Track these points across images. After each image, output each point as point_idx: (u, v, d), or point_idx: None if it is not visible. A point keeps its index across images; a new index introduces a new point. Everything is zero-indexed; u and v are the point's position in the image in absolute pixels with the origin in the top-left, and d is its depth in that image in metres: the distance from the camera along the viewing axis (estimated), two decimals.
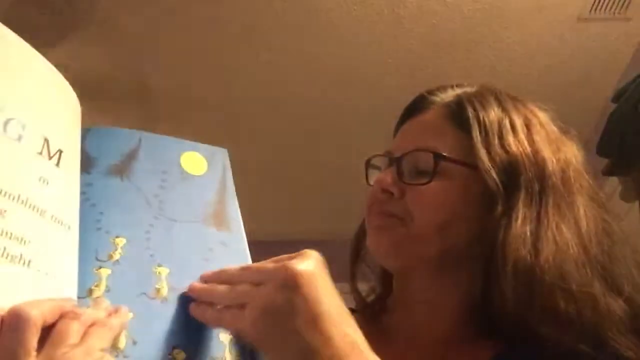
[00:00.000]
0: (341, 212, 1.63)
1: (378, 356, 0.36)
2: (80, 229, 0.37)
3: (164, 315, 0.37)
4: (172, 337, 0.37)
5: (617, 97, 1.54)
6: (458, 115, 0.53)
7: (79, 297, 0.35)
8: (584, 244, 0.48)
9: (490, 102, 0.54)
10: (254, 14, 1.86)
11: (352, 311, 0.39)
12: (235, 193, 0.46)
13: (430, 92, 0.58)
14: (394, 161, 0.55)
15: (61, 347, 0.30)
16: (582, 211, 0.50)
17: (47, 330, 0.31)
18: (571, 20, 1.87)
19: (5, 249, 0.30)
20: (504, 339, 0.48)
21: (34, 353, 0.29)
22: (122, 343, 0.34)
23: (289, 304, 0.35)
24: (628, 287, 0.47)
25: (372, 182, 0.57)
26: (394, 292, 0.60)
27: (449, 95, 0.57)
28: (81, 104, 0.40)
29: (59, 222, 0.34)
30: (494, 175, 0.48)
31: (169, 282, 0.38)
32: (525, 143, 0.51)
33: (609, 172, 1.62)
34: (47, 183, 0.34)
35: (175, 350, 0.36)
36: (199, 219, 0.42)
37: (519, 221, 0.47)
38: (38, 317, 0.30)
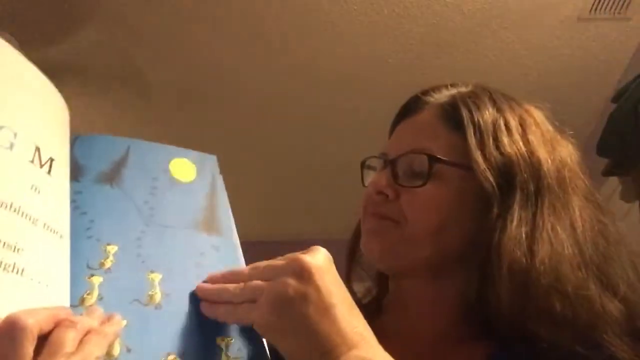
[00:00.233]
0: (341, 212, 1.63)
1: None
2: (71, 238, 0.37)
3: (158, 322, 0.37)
4: (167, 343, 0.37)
5: (617, 97, 1.54)
6: (452, 116, 0.53)
7: (71, 306, 0.35)
8: (579, 245, 0.48)
9: (485, 102, 0.53)
10: (254, 14, 1.86)
11: None
12: (226, 198, 0.46)
13: (425, 93, 0.58)
14: (389, 163, 0.55)
15: (58, 356, 0.30)
16: (577, 212, 0.50)
17: (43, 339, 0.31)
18: (571, 20, 1.87)
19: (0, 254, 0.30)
20: (499, 339, 0.48)
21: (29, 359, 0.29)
22: (117, 351, 0.34)
23: (302, 294, 0.36)
24: (623, 287, 0.47)
25: (367, 184, 0.57)
26: (389, 293, 0.60)
27: (443, 95, 0.57)
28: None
29: (51, 230, 0.34)
30: (489, 176, 0.48)
31: (162, 288, 0.39)
32: (520, 143, 0.50)
33: (609, 172, 1.62)
34: (39, 191, 0.34)
35: (170, 357, 0.36)
36: (189, 225, 0.43)
37: (515, 223, 0.47)
38: (34, 325, 0.30)
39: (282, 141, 2.47)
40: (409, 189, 0.52)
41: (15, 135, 0.33)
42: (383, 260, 0.55)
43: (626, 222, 2.12)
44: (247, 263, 0.43)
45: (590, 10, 1.83)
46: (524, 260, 0.45)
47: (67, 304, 0.35)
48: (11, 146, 0.32)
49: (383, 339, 0.38)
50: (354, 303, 0.39)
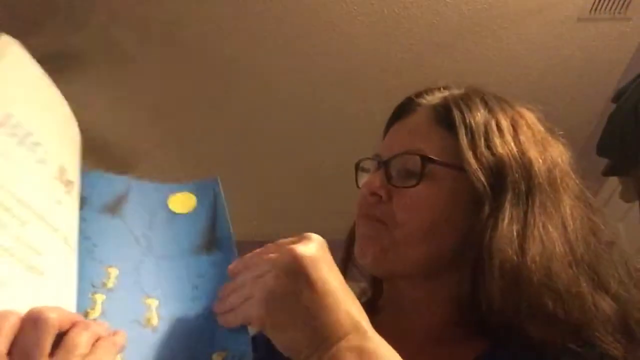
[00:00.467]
0: (341, 213, 1.63)
1: None
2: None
3: (155, 344, 0.39)
4: None
5: (617, 97, 1.54)
6: (444, 117, 0.54)
7: None
8: (570, 243, 0.48)
9: (477, 104, 0.54)
10: (253, 13, 1.86)
11: None
12: (227, 214, 0.47)
13: (418, 95, 0.59)
14: (382, 164, 0.55)
15: (73, 354, 0.32)
16: (568, 211, 0.50)
17: (58, 338, 0.32)
18: (571, 20, 1.87)
19: (24, 256, 0.33)
20: (493, 338, 0.49)
21: (47, 354, 0.31)
22: None
23: (293, 288, 0.36)
24: (615, 285, 0.48)
25: (361, 185, 0.58)
26: (384, 294, 0.61)
27: (435, 97, 0.58)
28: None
29: (67, 242, 0.37)
30: (481, 176, 0.49)
31: (159, 313, 0.40)
32: (512, 144, 0.51)
33: (609, 172, 1.62)
34: (61, 205, 0.37)
35: None
36: (188, 251, 0.44)
37: (506, 221, 0.47)
38: (56, 320, 0.31)
39: (282, 141, 2.47)
40: (401, 189, 0.52)
41: (46, 152, 0.36)
42: (375, 266, 0.55)
43: (626, 222, 2.12)
44: None
45: (590, 10, 1.83)
46: (515, 258, 0.46)
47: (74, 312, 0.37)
48: (44, 161, 0.36)
49: None
50: (348, 289, 0.39)
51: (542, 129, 0.56)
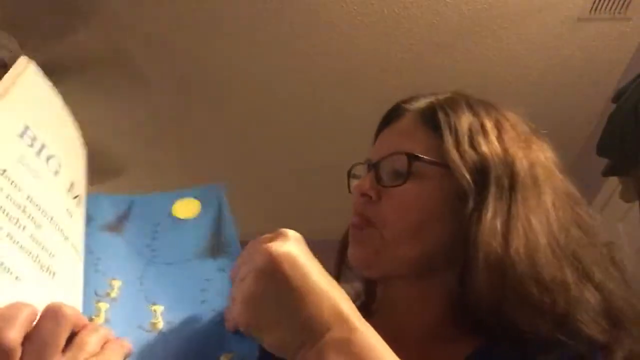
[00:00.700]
0: (341, 213, 1.63)
1: None
2: None
3: (161, 347, 0.39)
4: None
5: (617, 97, 1.54)
6: (430, 119, 0.56)
7: None
8: (554, 234, 0.50)
9: (462, 107, 0.56)
10: (253, 14, 1.86)
11: None
12: (231, 219, 0.47)
13: (405, 101, 0.61)
14: (372, 167, 0.57)
15: (84, 353, 0.33)
16: (551, 204, 0.51)
17: (70, 336, 0.33)
18: (571, 20, 1.87)
19: (38, 256, 0.35)
20: (486, 336, 0.49)
21: (61, 348, 0.32)
22: None
23: (271, 288, 0.36)
24: (599, 275, 0.49)
25: (352, 189, 0.59)
26: (377, 296, 0.61)
27: (421, 102, 0.60)
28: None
29: (76, 250, 0.39)
30: (465, 173, 0.50)
31: (165, 317, 0.41)
32: (496, 143, 0.53)
33: (609, 172, 1.62)
34: (71, 216, 0.39)
35: None
36: (194, 256, 0.45)
37: (489, 215, 0.48)
38: (73, 317, 0.33)
39: (282, 141, 2.47)
40: (390, 189, 0.54)
41: (59, 165, 0.39)
42: (369, 269, 0.56)
43: (626, 222, 2.12)
44: None
45: (590, 10, 1.83)
46: (500, 250, 0.47)
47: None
48: (57, 173, 0.39)
49: None
50: (331, 282, 0.38)
51: (526, 129, 0.57)
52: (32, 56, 0.40)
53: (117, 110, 2.24)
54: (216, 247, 0.45)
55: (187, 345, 0.40)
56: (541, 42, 1.96)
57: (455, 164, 0.51)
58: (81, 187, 0.42)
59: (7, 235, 0.33)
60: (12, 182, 0.34)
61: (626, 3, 1.80)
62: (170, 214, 0.47)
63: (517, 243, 0.47)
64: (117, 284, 0.41)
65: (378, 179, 0.55)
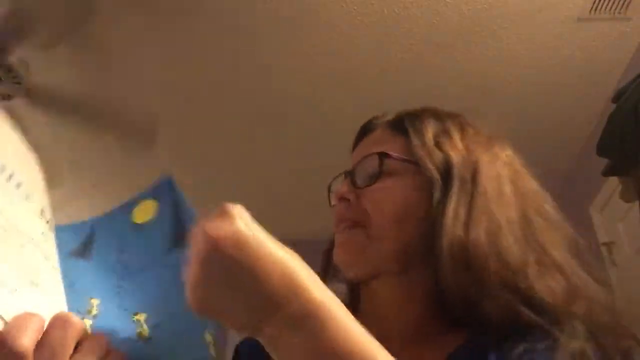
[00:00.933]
0: None
1: None
2: None
3: (150, 353, 0.41)
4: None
5: (617, 97, 1.54)
6: (398, 125, 0.61)
7: None
8: (515, 222, 0.53)
9: (427, 115, 0.61)
10: (253, 14, 1.86)
11: None
12: (189, 206, 0.46)
13: (375, 117, 0.66)
14: (348, 174, 0.61)
15: (93, 355, 0.35)
16: (511, 196, 0.55)
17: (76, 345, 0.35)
18: (571, 20, 1.87)
19: (26, 272, 0.36)
20: (469, 331, 0.50)
21: (69, 355, 0.33)
22: None
23: (216, 274, 0.34)
24: (559, 258, 0.51)
25: (332, 199, 0.63)
26: (361, 299, 0.62)
27: (390, 115, 0.65)
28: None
29: (56, 270, 0.40)
30: (432, 168, 0.55)
31: (149, 323, 0.42)
32: (459, 143, 0.57)
33: (609, 172, 1.62)
34: (47, 240, 0.41)
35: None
36: (163, 255, 0.45)
37: (453, 205, 0.52)
38: (79, 325, 0.34)
39: (282, 140, 2.48)
40: (366, 189, 0.57)
41: (28, 191, 0.41)
42: (354, 267, 0.57)
43: (626, 222, 2.12)
44: None
45: (590, 10, 1.83)
46: (462, 236, 0.50)
47: None
48: (27, 197, 0.40)
49: None
50: (283, 251, 0.36)
51: (487, 133, 0.62)
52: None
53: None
54: (180, 238, 0.44)
55: (173, 335, 0.40)
56: (541, 42, 1.96)
57: (422, 160, 0.55)
58: (49, 213, 0.43)
59: None
60: None
61: (626, 3, 1.80)
62: (131, 223, 0.46)
63: (479, 229, 0.50)
64: (95, 302, 0.42)
65: (354, 183, 0.59)
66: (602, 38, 1.95)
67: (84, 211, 1.62)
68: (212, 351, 0.40)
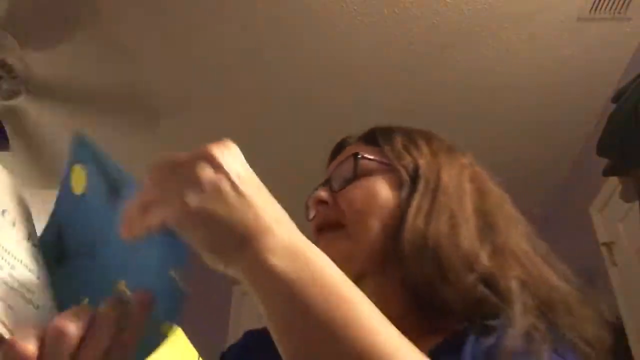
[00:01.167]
0: None
1: None
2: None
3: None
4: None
5: (617, 97, 1.54)
6: (371, 138, 0.66)
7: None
8: (474, 216, 0.56)
9: (397, 129, 0.66)
10: (253, 14, 1.86)
11: None
12: (109, 158, 0.43)
13: (346, 137, 0.71)
14: (324, 182, 0.65)
15: (98, 348, 0.35)
16: (471, 194, 0.59)
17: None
18: (571, 20, 1.87)
19: (22, 292, 0.38)
20: (449, 330, 0.51)
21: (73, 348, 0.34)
22: None
23: (213, 183, 0.35)
24: (516, 248, 0.55)
25: (310, 206, 0.65)
26: None
27: (361, 133, 0.69)
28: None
29: (49, 289, 0.42)
30: (401, 169, 0.60)
31: (130, 287, 0.41)
32: (425, 149, 0.63)
33: (609, 172, 1.62)
34: (38, 262, 0.42)
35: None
36: (111, 217, 0.42)
37: (417, 201, 0.56)
38: (75, 334, 0.35)
39: (282, 140, 2.48)
40: (343, 191, 0.60)
41: (14, 218, 0.43)
42: (344, 263, 0.57)
43: (626, 222, 2.12)
44: None
45: (590, 10, 1.83)
46: (423, 227, 0.54)
47: None
48: (13, 225, 0.42)
49: None
50: (268, 192, 0.39)
51: (450, 143, 0.67)
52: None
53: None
54: (113, 192, 0.42)
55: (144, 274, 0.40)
56: (541, 42, 1.96)
57: (393, 162, 0.60)
58: (37, 238, 0.44)
59: None
60: None
61: (626, 3, 1.80)
62: (75, 199, 0.45)
63: (439, 221, 0.54)
64: (85, 299, 0.42)
65: (330, 188, 0.62)
66: (602, 38, 1.95)
67: None
68: (179, 285, 0.39)
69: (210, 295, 2.63)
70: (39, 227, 0.45)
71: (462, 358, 0.44)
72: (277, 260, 0.34)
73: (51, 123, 2.33)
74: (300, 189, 0.69)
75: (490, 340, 0.44)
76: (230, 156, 0.38)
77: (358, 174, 0.60)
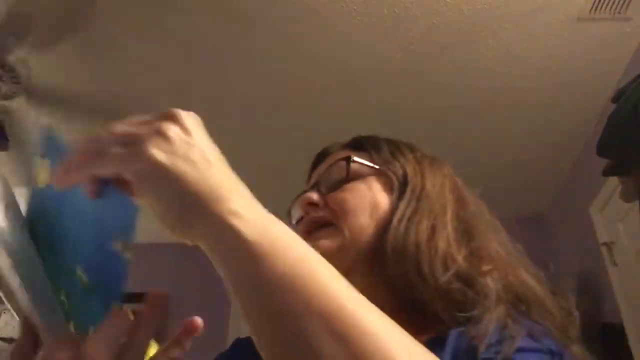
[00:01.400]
0: None
1: None
2: None
3: (91, 293, 0.40)
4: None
5: (617, 97, 1.54)
6: (357, 144, 0.67)
7: None
8: (452, 220, 0.58)
9: (380, 138, 0.68)
10: (253, 14, 1.86)
11: None
12: (70, 148, 0.42)
13: (329, 147, 0.72)
14: (314, 185, 0.65)
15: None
16: (452, 202, 0.61)
17: None
18: (571, 20, 1.87)
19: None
20: (436, 330, 0.52)
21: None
22: None
23: (183, 140, 0.35)
24: (492, 252, 0.56)
25: (297, 207, 0.66)
26: None
27: (346, 140, 0.70)
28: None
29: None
30: (391, 174, 0.61)
31: (86, 271, 0.40)
32: (410, 157, 0.65)
33: (609, 172, 1.62)
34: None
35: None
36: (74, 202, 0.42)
37: (404, 204, 0.58)
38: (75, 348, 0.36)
39: (282, 140, 2.48)
40: (334, 193, 0.61)
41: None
42: (334, 258, 0.58)
43: (626, 222, 2.12)
44: None
45: (590, 10, 1.83)
46: (404, 230, 0.56)
47: None
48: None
49: None
50: (227, 165, 0.38)
51: (432, 155, 0.69)
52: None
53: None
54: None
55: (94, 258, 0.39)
56: (541, 42, 1.96)
57: (382, 166, 0.62)
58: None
59: None
60: None
61: (626, 3, 1.80)
62: (38, 188, 0.43)
63: (420, 225, 0.56)
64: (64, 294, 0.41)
65: (319, 191, 0.63)
66: (602, 38, 1.95)
67: None
68: (127, 255, 0.38)
69: (208, 304, 2.63)
70: None
71: (444, 354, 0.45)
72: (243, 223, 0.34)
73: (51, 123, 2.33)
74: (300, 189, 0.68)
75: (470, 332, 0.46)
76: (197, 125, 0.38)
77: (350, 177, 0.61)
